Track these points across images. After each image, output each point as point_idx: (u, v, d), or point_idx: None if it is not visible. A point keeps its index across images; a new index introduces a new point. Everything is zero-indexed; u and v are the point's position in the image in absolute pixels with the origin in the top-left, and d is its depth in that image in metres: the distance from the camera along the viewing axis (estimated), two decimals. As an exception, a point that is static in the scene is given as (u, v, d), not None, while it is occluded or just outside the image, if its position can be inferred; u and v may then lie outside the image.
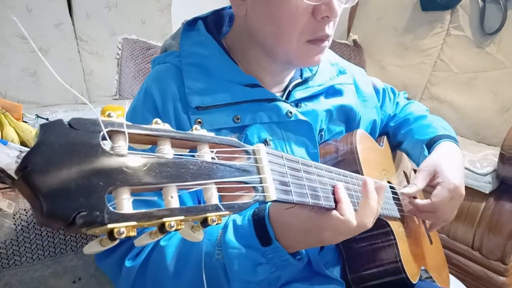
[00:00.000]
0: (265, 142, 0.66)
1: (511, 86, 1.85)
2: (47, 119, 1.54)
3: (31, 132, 1.21)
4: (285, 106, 0.68)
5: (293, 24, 0.60)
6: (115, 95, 2.15)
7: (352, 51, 2.43)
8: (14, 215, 0.97)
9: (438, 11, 2.12)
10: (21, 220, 0.97)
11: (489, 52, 1.94)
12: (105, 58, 2.10)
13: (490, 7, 1.92)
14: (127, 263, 0.59)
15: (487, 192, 1.53)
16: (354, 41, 2.51)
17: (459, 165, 0.78)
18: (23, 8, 1.83)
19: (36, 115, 1.55)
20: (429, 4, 2.15)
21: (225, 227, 0.57)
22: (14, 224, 0.97)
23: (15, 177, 0.22)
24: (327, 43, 0.64)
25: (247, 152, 0.37)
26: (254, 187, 0.35)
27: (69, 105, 1.91)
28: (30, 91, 1.84)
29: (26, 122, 1.33)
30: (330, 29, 0.62)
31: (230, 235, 0.55)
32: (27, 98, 1.83)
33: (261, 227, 0.53)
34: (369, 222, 0.53)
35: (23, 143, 1.19)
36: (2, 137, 1.16)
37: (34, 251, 1.00)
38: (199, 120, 0.62)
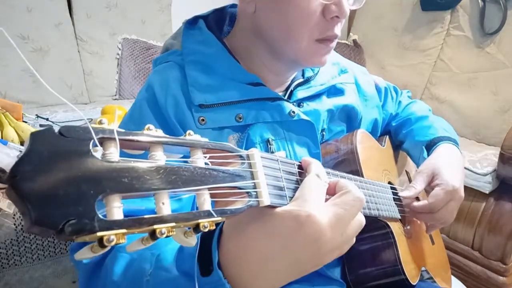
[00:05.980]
0: (267, 142, 0.65)
1: (511, 86, 1.84)
2: (47, 119, 1.54)
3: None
4: (288, 106, 0.67)
5: (304, 22, 0.59)
6: (115, 95, 2.15)
7: (352, 51, 2.42)
8: (14, 215, 0.97)
9: (438, 11, 2.12)
10: (21, 220, 0.98)
11: (489, 52, 1.93)
12: (105, 58, 2.10)
13: (490, 7, 1.92)
14: (85, 260, 0.55)
15: (487, 192, 1.53)
16: (354, 41, 2.50)
17: (459, 167, 0.77)
18: (23, 8, 1.84)
19: (36, 115, 1.55)
20: (429, 4, 2.14)
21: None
22: (14, 224, 0.97)
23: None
24: (334, 44, 0.64)
25: (241, 156, 0.37)
26: (247, 193, 0.35)
27: (69, 105, 1.91)
28: (30, 91, 1.84)
29: (26, 122, 1.34)
30: (338, 30, 0.62)
31: (170, 251, 0.47)
32: (27, 98, 1.83)
33: (206, 249, 0.41)
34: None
35: (23, 143, 1.19)
36: (2, 137, 1.17)
37: (34, 251, 1.00)
38: (203, 118, 0.61)
